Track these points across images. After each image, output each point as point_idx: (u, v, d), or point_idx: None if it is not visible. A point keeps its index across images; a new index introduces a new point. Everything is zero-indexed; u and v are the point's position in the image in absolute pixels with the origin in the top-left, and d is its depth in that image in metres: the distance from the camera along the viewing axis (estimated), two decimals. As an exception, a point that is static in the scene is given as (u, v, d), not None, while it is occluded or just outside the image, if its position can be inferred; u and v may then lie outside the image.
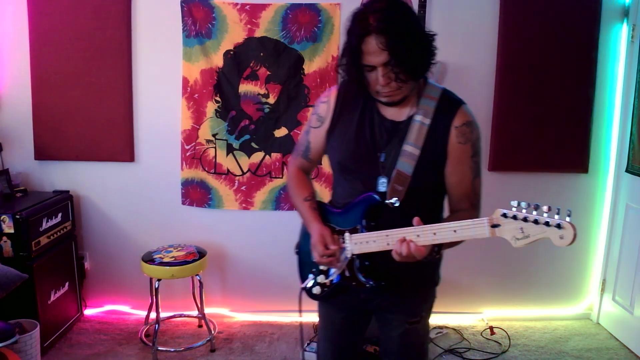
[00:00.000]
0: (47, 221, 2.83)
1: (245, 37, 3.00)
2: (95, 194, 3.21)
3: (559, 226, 1.11)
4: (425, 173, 1.44)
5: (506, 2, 2.97)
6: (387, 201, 1.44)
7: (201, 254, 2.91)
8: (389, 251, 1.40)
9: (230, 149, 3.12)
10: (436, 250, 1.40)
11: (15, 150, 3.12)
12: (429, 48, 1.41)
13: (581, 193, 3.23)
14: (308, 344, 2.83)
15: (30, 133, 3.09)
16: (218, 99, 3.06)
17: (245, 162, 3.13)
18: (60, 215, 2.95)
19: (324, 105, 1.58)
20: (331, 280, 1.58)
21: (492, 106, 3.09)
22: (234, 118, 3.08)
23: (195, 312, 3.18)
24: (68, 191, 3.13)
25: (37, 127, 3.08)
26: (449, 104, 1.48)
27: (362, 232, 1.48)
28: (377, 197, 1.45)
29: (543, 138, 3.10)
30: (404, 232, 1.36)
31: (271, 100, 3.06)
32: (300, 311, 1.66)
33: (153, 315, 2.98)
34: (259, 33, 2.99)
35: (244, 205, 3.17)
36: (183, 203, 3.18)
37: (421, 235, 1.34)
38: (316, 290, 1.62)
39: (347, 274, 1.53)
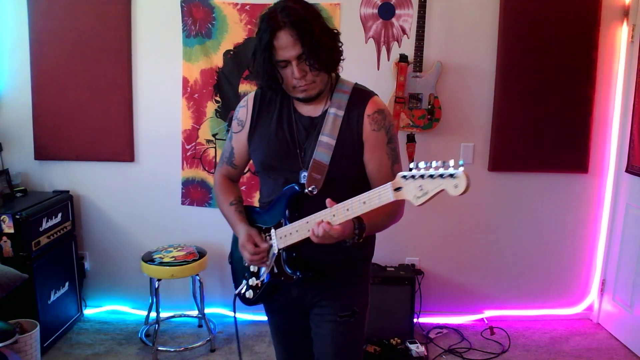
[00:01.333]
0: (47, 221, 2.83)
1: (245, 37, 3.00)
2: (95, 194, 3.21)
3: (452, 176, 1.14)
4: (342, 162, 1.48)
5: (506, 2, 2.97)
6: (306, 190, 1.46)
7: (201, 254, 2.91)
8: (313, 243, 1.42)
9: (230, 149, 3.12)
10: (356, 233, 1.38)
11: (15, 150, 3.12)
12: (337, 42, 1.47)
13: (581, 193, 3.23)
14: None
15: (30, 133, 3.09)
16: (218, 99, 3.06)
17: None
18: (60, 215, 2.95)
19: (243, 110, 1.62)
20: (262, 281, 1.59)
21: (492, 106, 3.09)
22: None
23: (195, 312, 3.18)
24: (68, 191, 3.13)
25: (37, 127, 3.08)
26: (360, 95, 1.52)
27: (285, 224, 1.50)
28: (296, 187, 1.47)
29: (543, 138, 3.10)
30: (322, 215, 1.38)
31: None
32: (234, 317, 1.71)
33: (153, 315, 2.98)
34: (259, 33, 2.99)
35: (244, 205, 3.17)
36: (183, 203, 3.18)
37: (336, 214, 1.35)
38: (249, 294, 1.64)
39: (275, 270, 1.54)
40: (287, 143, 1.53)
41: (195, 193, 3.16)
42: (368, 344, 2.78)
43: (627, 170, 3.02)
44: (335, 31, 1.47)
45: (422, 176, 1.19)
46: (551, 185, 3.21)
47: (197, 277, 2.99)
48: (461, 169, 1.14)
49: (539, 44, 3.00)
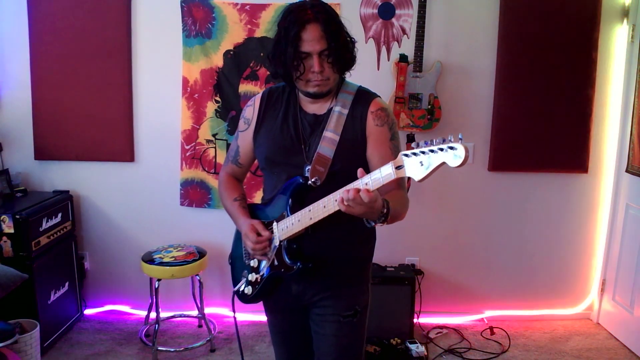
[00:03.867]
0: (47, 221, 2.83)
1: (245, 37, 3.00)
2: (95, 194, 3.21)
3: (451, 148, 1.20)
4: (345, 156, 1.52)
5: (506, 2, 2.97)
6: (309, 182, 1.49)
7: (201, 254, 2.91)
8: (315, 234, 1.49)
9: (230, 149, 3.12)
10: (384, 212, 1.36)
11: (15, 150, 3.12)
12: (353, 47, 1.55)
13: (581, 193, 3.23)
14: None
15: (30, 133, 3.09)
16: (218, 99, 3.06)
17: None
18: (60, 215, 2.95)
19: (250, 109, 1.67)
20: (262, 275, 1.60)
21: (492, 106, 3.09)
22: (234, 118, 3.08)
23: (195, 312, 3.18)
24: (68, 191, 3.13)
25: (37, 127, 3.08)
26: (364, 95, 1.59)
27: (288, 216, 1.52)
28: (299, 178, 1.51)
29: (543, 138, 3.10)
30: (324, 201, 1.40)
31: (271, 100, 3.06)
32: (234, 314, 1.72)
33: (153, 315, 2.98)
34: (259, 33, 2.99)
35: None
36: (182, 204, 3.17)
37: (339, 199, 1.35)
38: (247, 290, 1.64)
39: (275, 262, 1.55)
40: (292, 139, 1.57)
41: (194, 194, 3.16)
42: (368, 344, 2.78)
43: (627, 170, 3.02)
44: (353, 38, 1.55)
45: (422, 152, 1.24)
46: (551, 185, 3.21)
47: (197, 277, 2.99)
48: (460, 141, 1.20)
49: (539, 44, 3.00)
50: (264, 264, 1.59)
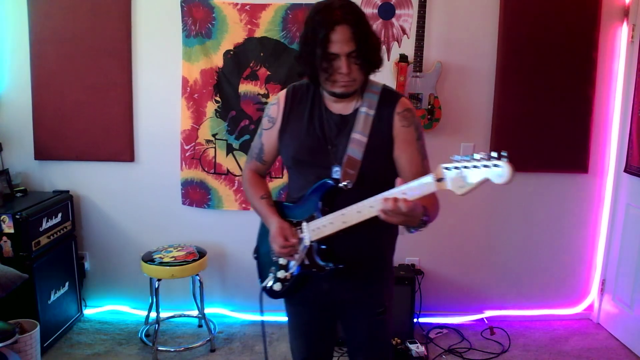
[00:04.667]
0: (47, 221, 2.83)
1: (245, 37, 3.00)
2: (95, 194, 3.21)
3: (496, 166, 1.20)
4: (374, 158, 1.54)
5: (506, 2, 2.97)
6: (340, 184, 1.52)
7: (201, 254, 2.91)
8: (346, 238, 1.51)
9: (230, 149, 3.12)
10: (424, 219, 1.41)
11: (15, 150, 3.12)
12: (380, 48, 1.56)
13: (581, 193, 3.23)
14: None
15: (30, 133, 3.09)
16: (218, 99, 3.06)
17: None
18: (60, 215, 2.95)
19: (274, 107, 1.67)
20: (291, 273, 1.63)
21: (492, 106, 3.09)
22: (233, 118, 3.08)
23: (195, 312, 3.18)
24: (68, 191, 3.13)
25: (37, 127, 3.08)
26: (389, 95, 1.60)
27: (318, 218, 1.54)
28: (330, 181, 1.53)
29: (543, 138, 3.10)
30: (358, 207, 1.44)
31: (271, 100, 3.05)
32: (261, 311, 1.74)
33: (153, 315, 2.98)
34: (259, 33, 2.99)
35: (243, 205, 3.17)
36: (183, 203, 3.18)
37: (374, 206, 1.40)
38: (277, 286, 1.67)
39: (306, 262, 1.58)
40: (319, 139, 1.58)
41: (194, 194, 3.16)
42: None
43: (625, 170, 3.02)
44: (379, 38, 1.58)
45: (465, 167, 1.24)
46: (551, 185, 3.21)
47: (197, 277, 2.99)
48: (504, 159, 1.19)
49: (539, 44, 3.00)
50: (293, 262, 1.61)
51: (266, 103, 3.05)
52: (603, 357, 2.93)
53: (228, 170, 3.14)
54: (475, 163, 1.22)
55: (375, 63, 1.54)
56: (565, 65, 3.03)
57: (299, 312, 1.79)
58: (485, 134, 3.13)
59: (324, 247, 1.56)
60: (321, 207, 1.54)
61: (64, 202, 3.01)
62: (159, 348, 2.84)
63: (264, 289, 1.70)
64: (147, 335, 3.02)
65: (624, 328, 3.09)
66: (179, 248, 2.97)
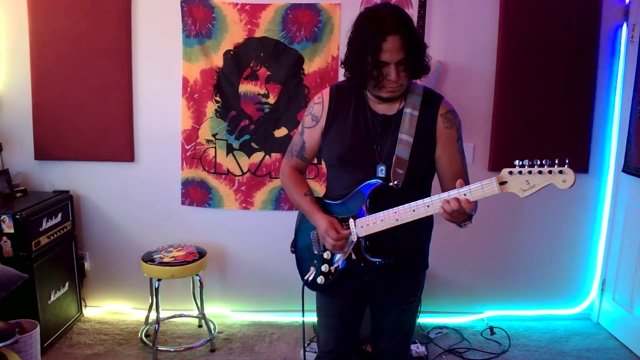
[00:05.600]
0: (47, 221, 2.83)
1: (245, 37, 3.00)
2: (95, 194, 3.21)
3: (560, 172, 1.36)
4: (419, 157, 1.62)
5: (506, 2, 2.97)
6: (390, 183, 1.59)
7: (201, 254, 2.91)
8: (388, 233, 1.59)
9: (230, 149, 3.12)
10: (472, 214, 1.57)
11: (15, 150, 3.12)
12: (426, 54, 1.61)
13: (581, 193, 3.23)
14: (308, 344, 2.83)
15: (30, 133, 3.09)
16: (218, 99, 3.06)
17: (245, 162, 3.13)
18: (60, 215, 2.95)
19: (318, 106, 1.72)
20: (337, 267, 1.70)
21: (492, 106, 3.09)
22: (234, 118, 3.08)
23: (195, 312, 3.18)
24: (68, 191, 3.13)
25: (37, 127, 3.08)
26: (432, 97, 1.67)
27: (362, 216, 1.62)
28: (380, 180, 1.61)
29: (543, 138, 3.10)
30: (412, 206, 1.54)
31: (271, 100, 3.06)
32: (303, 310, 1.82)
33: (153, 315, 2.98)
34: (259, 33, 2.99)
35: (244, 205, 3.17)
36: (183, 203, 3.18)
37: (431, 205, 1.51)
38: (320, 280, 1.73)
39: (353, 257, 1.66)
40: (364, 138, 1.64)
41: (195, 193, 3.16)
42: (367, 344, 2.78)
43: (625, 170, 3.02)
44: (425, 44, 1.61)
45: (529, 172, 1.37)
46: (551, 185, 3.20)
47: (197, 277, 2.99)
48: (567, 165, 1.35)
49: (539, 44, 3.00)
50: (338, 256, 1.68)
51: (266, 103, 3.06)
52: (603, 357, 2.93)
53: (228, 170, 3.14)
54: (540, 169, 1.36)
55: (422, 69, 1.59)
56: (565, 65, 3.03)
57: (334, 303, 1.82)
58: (485, 134, 3.13)
59: (368, 242, 1.64)
60: (369, 205, 1.61)
61: (64, 202, 3.01)
62: (159, 348, 2.84)
63: (306, 282, 1.76)
64: (147, 335, 3.02)
65: (624, 328, 3.09)
66: (179, 248, 2.97)
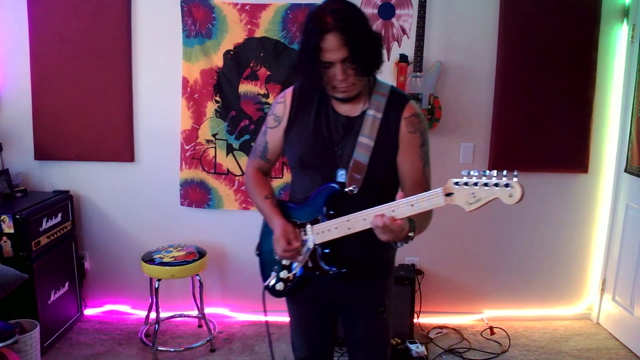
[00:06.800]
0: (47, 221, 2.83)
1: (245, 37, 3.00)
2: (95, 194, 3.21)
3: (507, 185, 1.21)
4: (379, 162, 1.54)
5: (506, 2, 2.97)
6: (346, 189, 1.52)
7: (201, 254, 2.91)
8: (348, 239, 1.50)
9: (230, 149, 3.12)
10: (410, 235, 1.45)
11: (15, 150, 3.12)
12: (380, 46, 1.51)
13: (581, 193, 3.23)
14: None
15: (30, 133, 3.09)
16: (218, 99, 3.06)
17: (245, 162, 3.13)
18: (60, 215, 2.95)
19: (280, 106, 1.65)
20: (294, 274, 1.63)
21: (492, 106, 3.09)
22: (234, 118, 3.08)
23: (195, 312, 3.18)
24: (68, 191, 3.13)
25: (37, 127, 3.08)
26: (398, 99, 1.58)
27: (323, 221, 1.55)
28: (336, 186, 1.53)
29: (543, 138, 3.10)
30: (364, 214, 1.44)
31: (271, 100, 3.06)
32: (265, 311, 1.72)
33: (153, 315, 2.98)
34: (259, 33, 2.99)
35: (244, 205, 3.17)
36: (182, 204, 3.17)
37: (387, 213, 1.39)
38: (279, 286, 1.67)
39: (309, 264, 1.59)
40: (325, 141, 1.57)
41: (194, 194, 3.16)
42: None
43: (625, 170, 3.02)
44: (379, 35, 1.51)
45: (475, 184, 1.25)
46: (551, 185, 3.21)
47: (197, 277, 2.99)
48: (515, 179, 1.21)
49: (539, 44, 3.00)
50: (296, 263, 1.62)
51: (266, 103, 3.05)
52: (603, 357, 2.93)
53: (228, 170, 3.14)
54: (486, 180, 1.23)
55: (372, 65, 1.50)
56: (565, 65, 3.03)
57: (300, 310, 1.79)
58: (485, 134, 3.13)
59: (327, 250, 1.56)
60: (326, 211, 1.54)
61: (64, 202, 3.01)
62: (159, 348, 2.84)
63: (267, 287, 1.71)
64: (147, 335, 3.02)
65: (624, 328, 3.09)
66: (179, 248, 2.97)
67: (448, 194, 1.28)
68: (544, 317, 3.34)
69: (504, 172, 1.22)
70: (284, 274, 1.66)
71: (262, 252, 1.77)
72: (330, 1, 1.46)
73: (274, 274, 1.69)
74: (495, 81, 3.06)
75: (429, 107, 2.97)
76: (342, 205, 1.52)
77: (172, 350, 2.89)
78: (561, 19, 2.99)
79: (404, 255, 3.23)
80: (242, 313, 3.31)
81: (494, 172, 1.23)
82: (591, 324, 3.32)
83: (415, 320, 3.03)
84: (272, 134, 1.68)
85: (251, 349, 2.94)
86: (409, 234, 1.43)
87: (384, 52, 1.54)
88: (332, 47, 1.40)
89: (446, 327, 3.19)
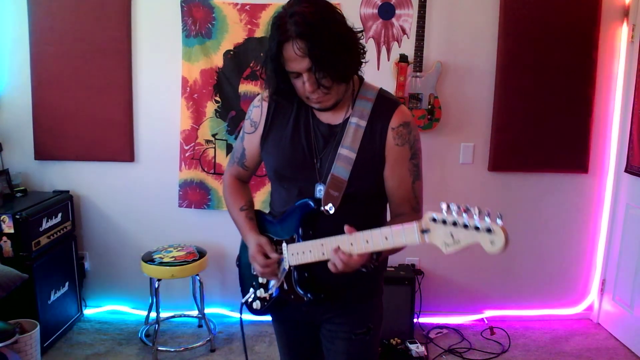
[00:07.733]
0: (47, 221, 2.83)
1: (245, 37, 3.00)
2: (95, 194, 3.21)
3: (489, 230, 1.04)
4: (362, 177, 1.37)
5: (506, 2, 2.97)
6: (322, 208, 1.36)
7: (201, 254, 2.91)
8: (327, 261, 1.32)
9: (230, 149, 3.12)
10: (375, 258, 1.31)
11: (15, 150, 3.12)
12: (355, 48, 1.31)
13: (581, 193, 3.23)
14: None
15: (30, 133, 3.09)
16: (218, 99, 3.06)
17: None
18: (60, 215, 2.95)
19: (257, 110, 1.49)
20: (270, 294, 1.51)
21: (492, 106, 3.09)
22: (233, 118, 3.08)
23: (195, 312, 3.18)
24: (68, 191, 3.13)
25: (37, 127, 3.08)
26: (385, 105, 1.39)
27: (298, 241, 1.40)
28: (312, 204, 1.37)
29: (543, 138, 3.10)
30: (338, 240, 1.27)
31: (271, 100, 3.05)
32: (241, 324, 1.62)
33: (153, 315, 2.98)
34: (259, 33, 2.99)
35: (244, 205, 3.16)
36: (180, 205, 3.16)
37: (354, 243, 1.24)
38: (256, 305, 1.57)
39: (285, 287, 1.45)
40: (304, 152, 1.41)
41: (193, 195, 3.16)
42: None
43: (626, 170, 3.02)
44: (355, 32, 1.31)
45: (454, 223, 1.08)
46: (551, 185, 3.21)
47: (197, 277, 2.99)
48: (499, 222, 1.03)
49: (539, 44, 3.00)
50: (273, 282, 1.49)
51: (266, 103, 3.05)
52: (603, 357, 2.93)
53: (228, 170, 3.14)
54: (467, 221, 1.05)
55: (346, 71, 1.30)
56: (565, 65, 3.03)
57: (283, 329, 1.69)
58: (485, 134, 3.13)
59: (305, 274, 1.42)
60: (302, 232, 1.39)
61: (64, 202, 3.01)
62: (159, 348, 2.84)
63: (245, 304, 1.60)
64: (147, 335, 3.02)
65: (624, 328, 3.09)
66: (179, 248, 2.97)
67: (424, 231, 1.13)
68: (544, 317, 3.34)
69: (487, 212, 1.04)
70: (260, 292, 1.54)
71: (241, 265, 1.64)
72: (293, 1, 1.28)
73: (252, 290, 1.58)
74: (495, 81, 3.06)
75: (429, 107, 2.97)
76: (320, 224, 1.38)
77: (172, 350, 2.89)
78: (561, 18, 2.99)
79: (404, 255, 3.22)
80: (242, 313, 3.30)
81: (476, 210, 1.05)
82: (591, 324, 3.32)
83: (415, 320, 3.03)
84: (249, 140, 1.52)
85: (251, 349, 2.94)
86: (370, 266, 1.30)
87: (363, 50, 1.32)
88: (294, 57, 1.24)
89: (446, 327, 3.19)
